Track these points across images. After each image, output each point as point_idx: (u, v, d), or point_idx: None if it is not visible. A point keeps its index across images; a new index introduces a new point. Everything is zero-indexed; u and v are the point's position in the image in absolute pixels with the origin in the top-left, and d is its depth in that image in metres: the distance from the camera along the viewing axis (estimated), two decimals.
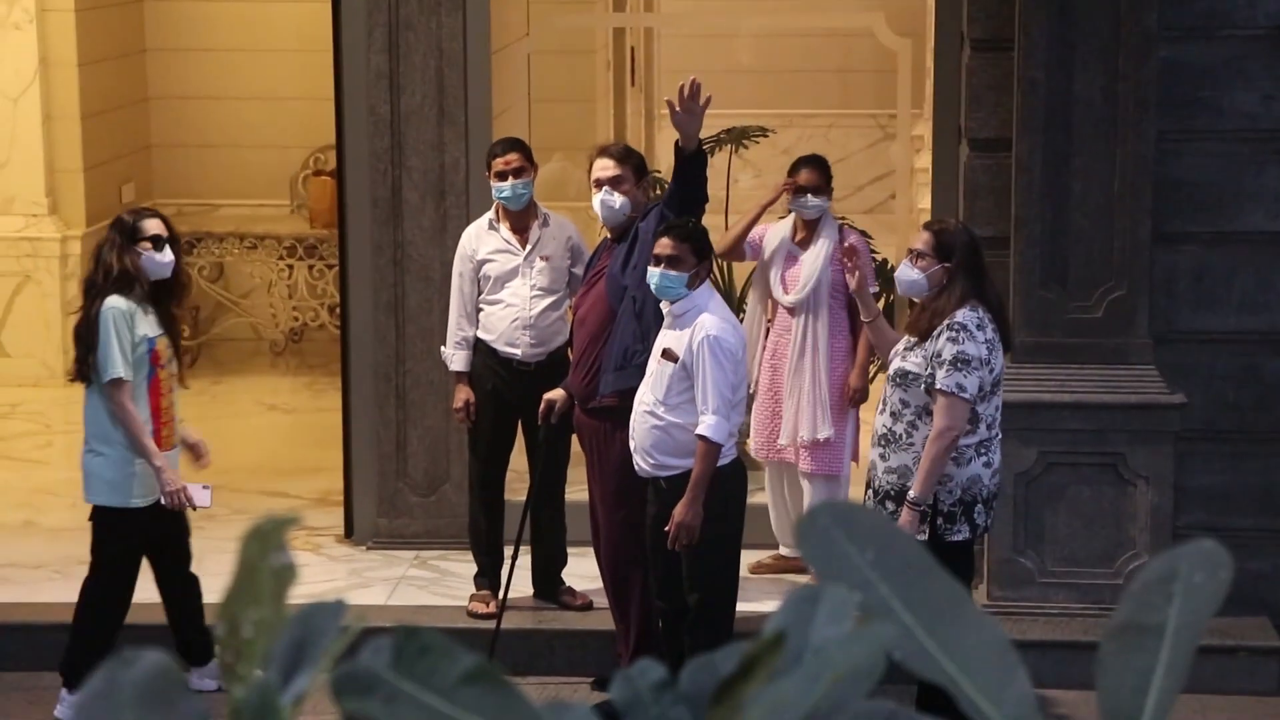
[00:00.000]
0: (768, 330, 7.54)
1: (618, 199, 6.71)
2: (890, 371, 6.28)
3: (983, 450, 6.22)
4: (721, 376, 6.22)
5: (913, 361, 6.20)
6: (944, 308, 6.17)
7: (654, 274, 6.31)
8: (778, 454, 7.56)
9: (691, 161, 6.48)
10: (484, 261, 7.24)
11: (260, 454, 9.64)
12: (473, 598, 7.39)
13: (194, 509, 6.69)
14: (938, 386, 6.11)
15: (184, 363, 6.75)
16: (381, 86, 7.84)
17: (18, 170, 10.76)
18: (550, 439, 6.97)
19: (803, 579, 7.47)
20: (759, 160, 12.73)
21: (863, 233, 7.86)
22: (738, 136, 9.20)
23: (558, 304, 7.19)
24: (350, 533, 8.22)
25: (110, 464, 6.54)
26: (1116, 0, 7.03)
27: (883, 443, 6.26)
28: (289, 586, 1.22)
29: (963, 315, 6.14)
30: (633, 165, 6.81)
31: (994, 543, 7.29)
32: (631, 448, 6.39)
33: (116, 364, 6.42)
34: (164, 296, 6.58)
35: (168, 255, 6.52)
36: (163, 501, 6.56)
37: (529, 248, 7.24)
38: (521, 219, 7.27)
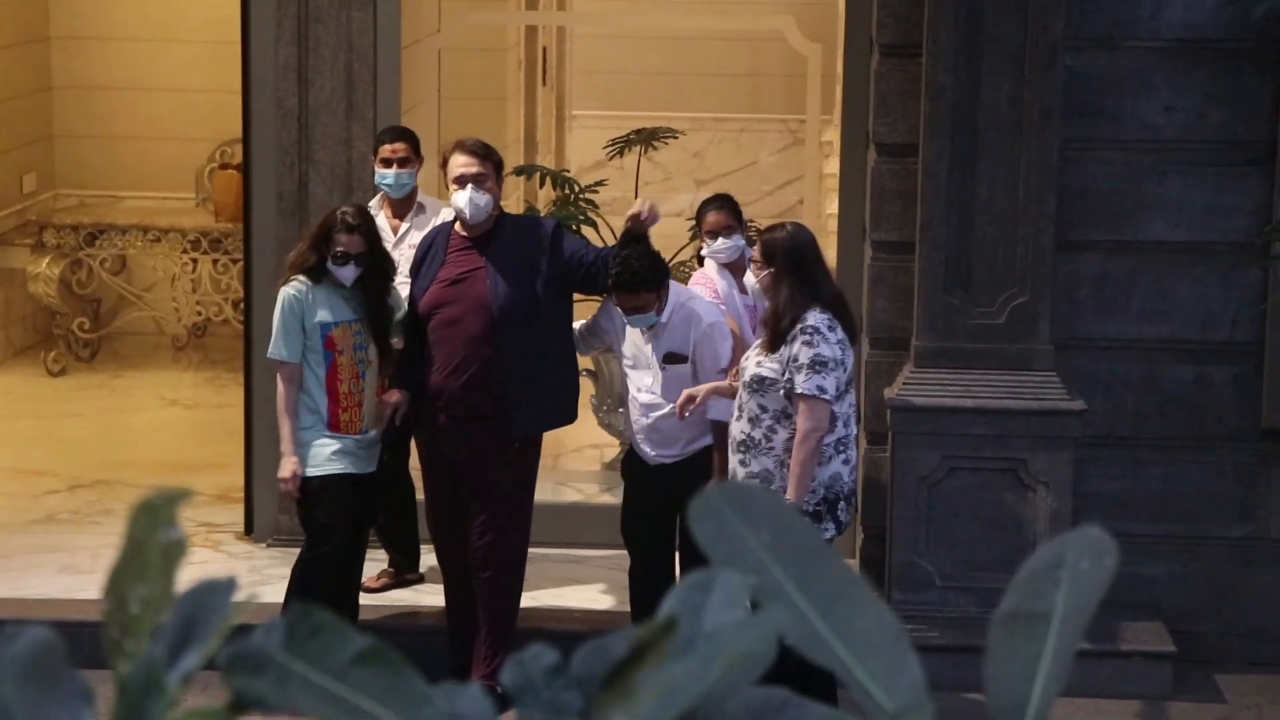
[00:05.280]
0: None
1: (484, 197, 6.69)
2: (746, 378, 6.36)
3: (842, 448, 6.35)
4: (725, 358, 6.62)
5: (768, 367, 6.30)
6: (776, 312, 6.26)
7: (629, 317, 6.63)
8: None
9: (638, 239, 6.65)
10: None
11: (161, 449, 9.56)
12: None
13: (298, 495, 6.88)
14: (799, 391, 6.21)
15: (380, 344, 6.81)
16: (290, 80, 7.79)
17: None
18: (397, 441, 7.08)
19: None
20: (668, 163, 12.75)
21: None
22: (647, 138, 9.20)
23: None
24: (250, 529, 8.16)
25: (303, 434, 6.76)
26: (1024, 8, 7.10)
27: (742, 449, 6.37)
28: (179, 562, 1.21)
29: (814, 318, 6.24)
30: (494, 162, 6.78)
31: (896, 546, 7.33)
32: (641, 442, 6.72)
33: (273, 345, 6.75)
34: (368, 279, 6.69)
35: (355, 236, 6.65)
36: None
37: (398, 235, 7.33)
38: (401, 207, 7.41)
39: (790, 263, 6.28)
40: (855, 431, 6.44)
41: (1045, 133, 7.17)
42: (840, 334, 6.28)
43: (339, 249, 6.64)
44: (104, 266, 11.31)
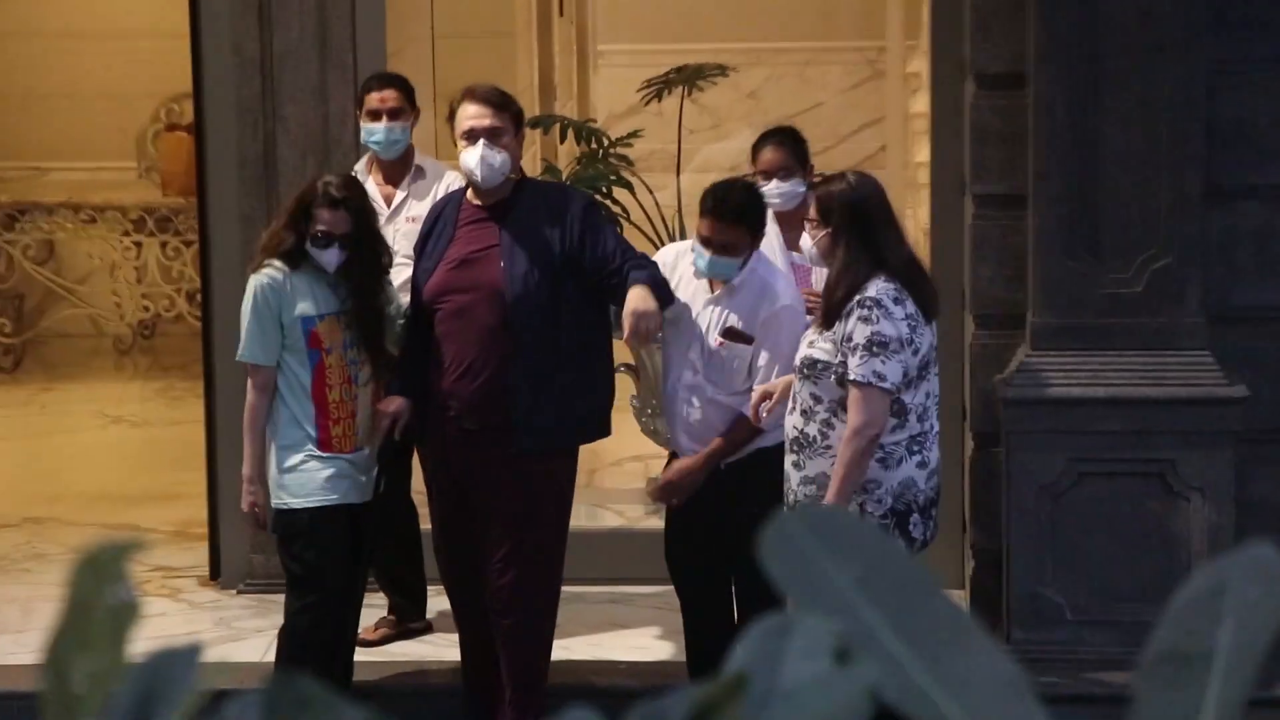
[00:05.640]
0: None
1: (498, 155, 6.71)
2: (797, 361, 6.39)
3: (916, 448, 6.33)
4: (792, 351, 6.53)
5: (821, 348, 6.30)
6: (835, 281, 6.30)
7: (703, 256, 6.60)
8: None
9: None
10: None
11: (102, 478, 9.61)
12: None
13: (266, 530, 7.00)
14: (852, 377, 6.21)
15: (371, 348, 6.84)
16: (249, 20, 7.82)
17: None
18: (397, 459, 7.08)
19: None
20: (718, 106, 12.75)
21: None
22: (690, 77, 9.20)
23: None
24: (217, 574, 8.21)
25: (272, 457, 6.83)
26: None
27: (796, 448, 6.41)
28: (130, 628, 1.22)
29: (876, 288, 6.23)
30: (511, 114, 6.82)
31: (1014, 573, 7.33)
32: (679, 433, 6.76)
33: (243, 345, 6.77)
34: (354, 266, 6.74)
35: (339, 212, 6.69)
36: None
37: (393, 207, 7.40)
38: (394, 172, 7.48)
39: (850, 221, 6.30)
40: (936, 427, 6.41)
41: (1189, 54, 7.15)
42: (910, 308, 6.26)
43: (320, 228, 6.68)
44: (27, 255, 11.38)
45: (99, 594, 1.22)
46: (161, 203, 11.33)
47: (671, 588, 7.09)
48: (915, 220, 9.67)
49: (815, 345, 6.33)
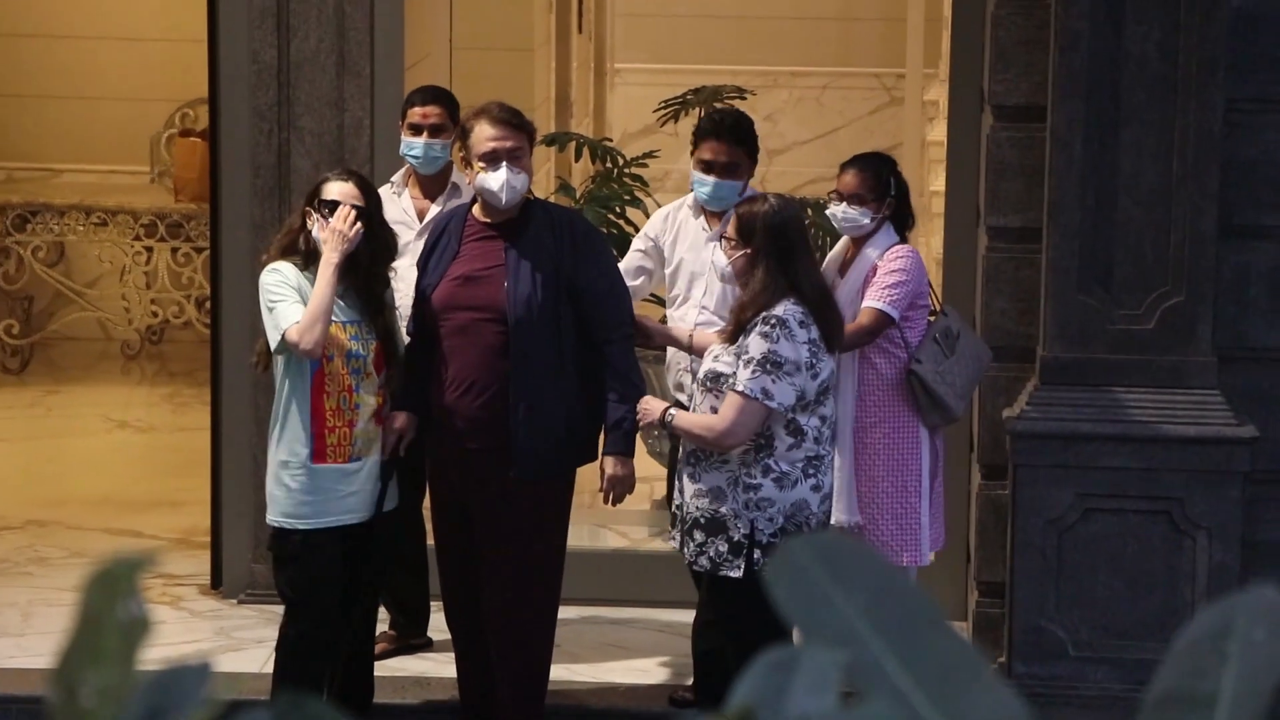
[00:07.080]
0: None
1: (520, 177, 6.72)
2: (700, 374, 6.52)
3: (812, 470, 6.45)
4: None
5: (724, 361, 6.44)
6: (748, 301, 6.41)
7: (705, 183, 6.99)
8: None
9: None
10: None
11: (107, 482, 9.60)
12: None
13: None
14: (739, 387, 6.32)
15: (383, 354, 6.75)
16: (267, 27, 7.83)
17: None
18: (409, 475, 7.02)
19: None
20: None
21: None
22: (708, 98, 9.21)
23: None
24: (218, 582, 8.20)
25: (269, 470, 6.79)
26: None
27: (692, 460, 6.52)
28: (141, 644, 1.22)
29: (784, 309, 6.36)
30: (528, 133, 6.83)
31: (1018, 607, 7.32)
32: (673, 390, 7.05)
33: (283, 320, 6.54)
34: (355, 273, 6.70)
35: (348, 184, 6.70)
36: None
37: (425, 221, 7.39)
38: (431, 187, 7.50)
39: (770, 243, 6.42)
40: (831, 453, 6.55)
41: (1206, 91, 7.14)
42: (814, 333, 6.38)
43: (327, 198, 6.64)
44: (37, 256, 11.38)
45: (111, 608, 1.22)
46: (174, 208, 11.33)
47: (670, 611, 7.11)
48: (928, 250, 9.67)
49: (719, 359, 6.48)
